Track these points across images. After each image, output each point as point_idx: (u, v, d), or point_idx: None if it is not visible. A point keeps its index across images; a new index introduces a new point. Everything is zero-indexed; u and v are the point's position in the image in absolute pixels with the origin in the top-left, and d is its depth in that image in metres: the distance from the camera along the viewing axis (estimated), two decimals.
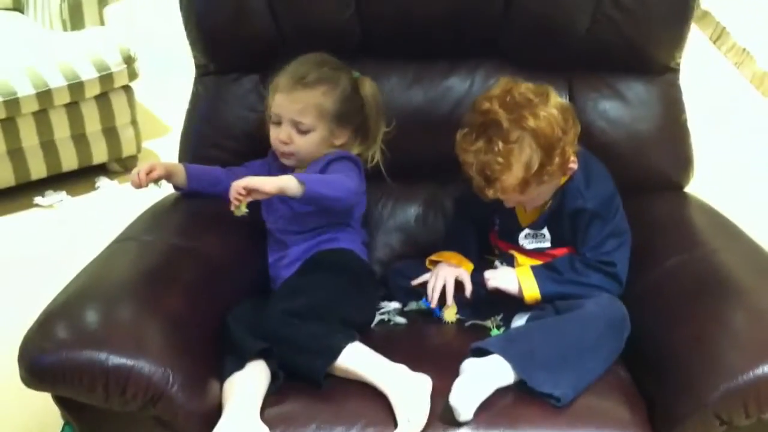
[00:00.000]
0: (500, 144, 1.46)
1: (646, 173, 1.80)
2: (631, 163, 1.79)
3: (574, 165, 1.56)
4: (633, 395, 1.42)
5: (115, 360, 1.27)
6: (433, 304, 1.64)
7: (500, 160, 1.45)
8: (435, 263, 1.69)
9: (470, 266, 1.68)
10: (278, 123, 1.71)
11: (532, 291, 1.55)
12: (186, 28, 1.84)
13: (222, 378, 1.43)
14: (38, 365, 1.28)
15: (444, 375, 1.40)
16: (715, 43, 4.10)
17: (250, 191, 1.48)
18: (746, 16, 4.07)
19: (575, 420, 1.35)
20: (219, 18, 1.80)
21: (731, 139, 3.23)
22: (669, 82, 1.82)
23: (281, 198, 1.71)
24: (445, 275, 1.65)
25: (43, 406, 2.04)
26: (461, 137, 1.53)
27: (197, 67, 1.91)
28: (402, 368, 1.39)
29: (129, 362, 1.28)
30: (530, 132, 1.46)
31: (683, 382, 1.31)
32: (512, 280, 1.58)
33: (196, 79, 1.91)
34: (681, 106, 1.82)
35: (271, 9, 1.77)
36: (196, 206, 1.66)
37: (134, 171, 1.68)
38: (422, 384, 1.37)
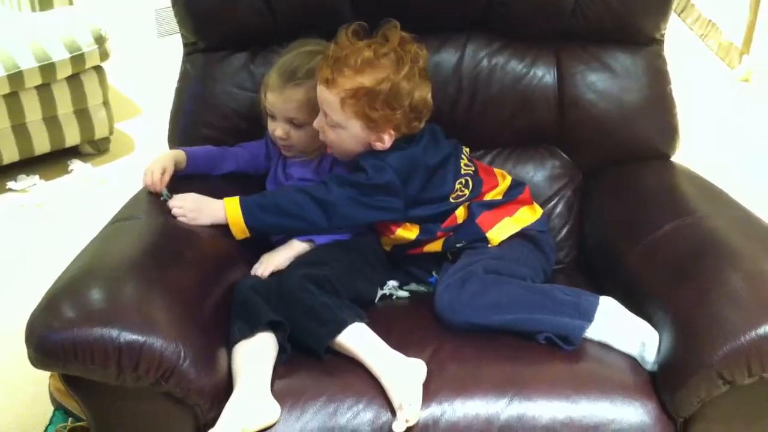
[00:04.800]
0: (373, 51, 1.55)
1: (634, 143, 1.84)
2: (620, 133, 1.83)
3: (381, 143, 1.61)
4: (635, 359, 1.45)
5: (127, 336, 1.27)
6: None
7: (359, 60, 1.55)
8: None
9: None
10: (274, 117, 1.71)
11: (236, 221, 1.57)
12: (174, 6, 1.82)
13: (229, 344, 1.43)
14: (48, 343, 1.27)
15: (445, 344, 1.44)
16: (680, 15, 4.16)
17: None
18: None
19: (580, 385, 1.38)
20: None
21: (700, 111, 3.29)
22: (654, 53, 1.85)
23: (288, 174, 1.71)
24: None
25: (33, 397, 2.05)
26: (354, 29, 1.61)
27: (185, 45, 1.89)
28: (397, 356, 1.40)
29: (140, 338, 1.27)
30: (391, 74, 1.56)
31: (685, 343, 1.34)
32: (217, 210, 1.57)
33: (184, 57, 1.90)
34: (666, 76, 1.86)
35: None
36: (194, 187, 1.64)
37: (147, 175, 1.64)
38: (416, 370, 1.38)
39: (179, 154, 1.72)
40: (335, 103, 1.57)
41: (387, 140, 1.61)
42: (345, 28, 1.61)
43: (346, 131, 1.61)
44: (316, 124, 1.64)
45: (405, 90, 1.57)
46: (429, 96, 1.63)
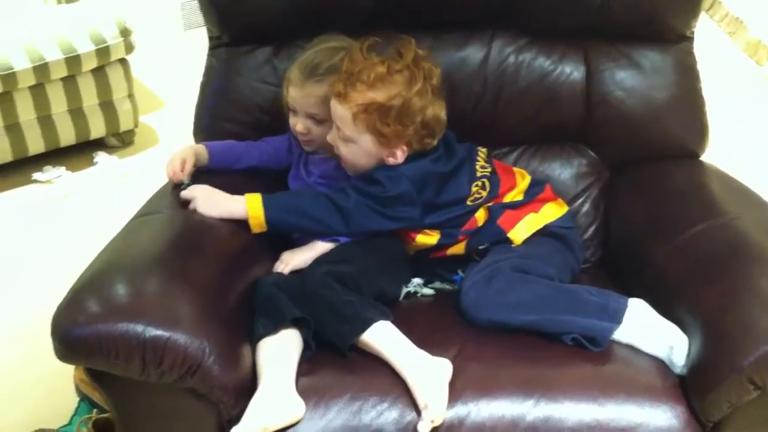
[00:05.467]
0: (386, 67, 1.56)
1: (662, 141, 1.81)
2: (648, 131, 1.80)
3: (393, 159, 1.61)
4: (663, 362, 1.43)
5: (152, 332, 1.27)
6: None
7: (372, 75, 1.55)
8: None
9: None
10: (295, 112, 1.71)
11: (256, 214, 1.56)
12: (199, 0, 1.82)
13: (252, 340, 1.43)
14: (73, 338, 1.27)
15: (470, 343, 1.44)
16: (707, 12, 4.12)
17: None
18: None
19: (606, 387, 1.36)
20: None
21: (727, 109, 3.25)
22: (684, 50, 1.82)
23: (309, 170, 1.71)
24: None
25: (58, 387, 2.06)
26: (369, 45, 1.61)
27: (210, 39, 1.89)
28: (423, 354, 1.39)
29: (165, 334, 1.27)
30: (403, 90, 1.56)
31: (715, 347, 1.32)
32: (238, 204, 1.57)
33: (209, 51, 1.89)
34: (696, 74, 1.83)
35: None
36: (216, 181, 1.64)
37: (169, 168, 1.66)
38: (442, 370, 1.37)
39: (200, 147, 1.73)
40: (347, 117, 1.58)
41: (399, 156, 1.61)
42: (360, 43, 1.61)
43: (358, 146, 1.61)
44: (329, 138, 1.65)
45: (417, 106, 1.58)
46: (443, 113, 1.63)
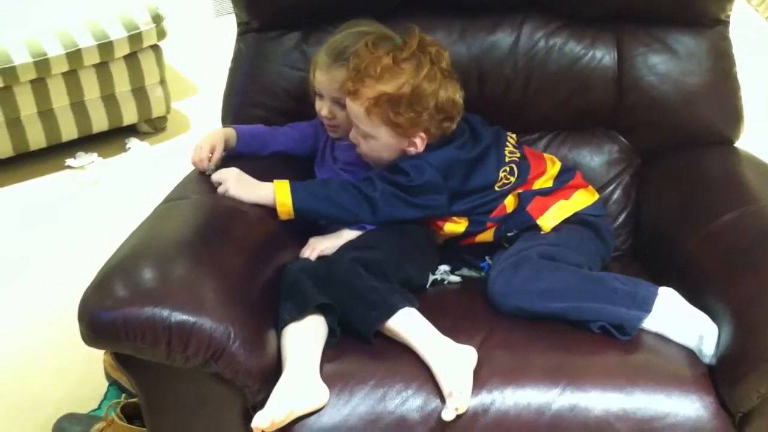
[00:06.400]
0: (392, 58, 1.56)
1: (696, 127, 1.78)
2: (681, 117, 1.78)
3: (414, 148, 1.61)
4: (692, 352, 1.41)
5: (178, 316, 1.27)
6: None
7: (379, 68, 1.56)
8: None
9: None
10: (321, 96, 1.71)
11: (284, 201, 1.56)
12: None
13: (277, 325, 1.43)
14: (100, 322, 1.28)
15: (496, 331, 1.43)
16: None
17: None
18: None
19: (634, 376, 1.35)
20: None
21: (764, 95, 3.19)
22: (719, 34, 1.79)
23: (335, 157, 1.71)
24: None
25: (88, 372, 2.08)
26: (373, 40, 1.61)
27: (239, 24, 1.89)
28: (448, 342, 1.39)
29: (191, 319, 1.28)
30: (411, 78, 1.56)
31: (745, 336, 1.30)
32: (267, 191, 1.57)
33: (238, 37, 1.89)
34: (732, 59, 1.80)
35: None
36: (245, 168, 1.64)
37: (195, 155, 1.67)
38: (467, 357, 1.36)
39: (230, 132, 1.73)
40: (361, 113, 1.59)
41: (419, 144, 1.61)
42: (366, 40, 1.61)
43: (377, 140, 1.62)
44: (351, 136, 1.66)
45: (428, 91, 1.57)
46: (457, 95, 1.62)
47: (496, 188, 1.64)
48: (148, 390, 1.42)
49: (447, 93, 1.59)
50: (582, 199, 1.68)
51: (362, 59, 1.59)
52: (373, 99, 1.57)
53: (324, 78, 1.67)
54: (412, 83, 1.56)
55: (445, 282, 1.65)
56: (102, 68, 3.00)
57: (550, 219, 1.62)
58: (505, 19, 1.83)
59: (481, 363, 1.36)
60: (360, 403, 1.34)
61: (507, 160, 1.66)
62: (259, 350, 1.36)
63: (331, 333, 1.45)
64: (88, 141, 3.13)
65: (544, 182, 1.68)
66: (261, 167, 1.66)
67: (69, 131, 3.04)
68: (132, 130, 3.24)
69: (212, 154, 1.66)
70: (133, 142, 3.20)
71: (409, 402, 1.34)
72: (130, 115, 3.15)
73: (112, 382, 2.05)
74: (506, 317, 1.46)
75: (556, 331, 1.43)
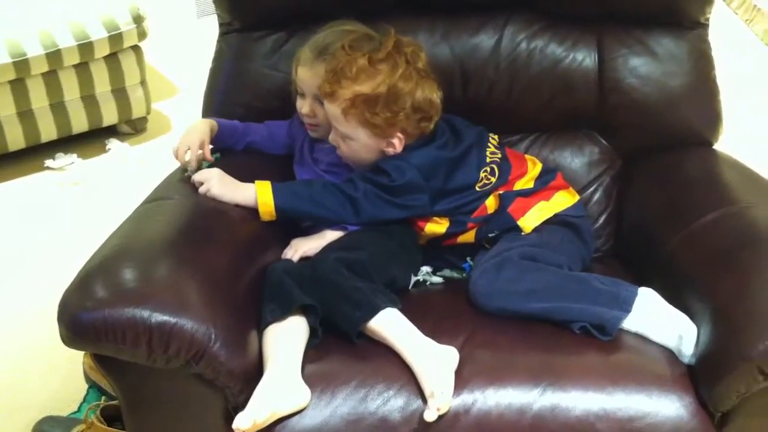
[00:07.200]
0: (368, 59, 1.57)
1: (676, 129, 1.79)
2: (662, 118, 1.79)
3: (392, 149, 1.61)
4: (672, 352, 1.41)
5: (158, 317, 1.26)
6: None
7: (355, 69, 1.56)
8: None
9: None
10: (303, 95, 1.70)
11: (265, 201, 1.56)
12: None
13: (259, 326, 1.43)
14: (80, 323, 1.27)
15: (479, 331, 1.43)
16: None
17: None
18: None
19: (615, 376, 1.35)
20: None
21: (743, 98, 3.22)
22: (699, 37, 1.80)
23: (316, 159, 1.71)
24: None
25: (68, 374, 2.06)
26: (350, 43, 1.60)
27: (221, 25, 1.88)
28: (429, 342, 1.39)
29: (172, 319, 1.27)
30: (386, 78, 1.56)
31: (725, 336, 1.31)
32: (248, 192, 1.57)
33: (219, 37, 1.89)
34: (711, 61, 1.81)
35: None
36: (225, 168, 1.64)
37: (181, 149, 1.67)
38: (448, 357, 1.36)
39: (213, 124, 1.74)
40: (338, 114, 1.59)
41: (398, 144, 1.62)
42: (344, 41, 1.62)
43: (355, 142, 1.62)
44: (330, 138, 1.66)
45: (404, 91, 1.58)
46: (435, 95, 1.63)
47: (477, 188, 1.64)
48: (129, 392, 1.41)
49: (424, 92, 1.60)
50: (563, 200, 1.68)
51: (338, 60, 1.59)
52: (349, 100, 1.57)
53: (306, 74, 1.67)
54: (387, 83, 1.57)
55: (428, 283, 1.65)
56: (82, 69, 2.99)
57: (531, 220, 1.63)
58: (488, 21, 1.83)
59: (463, 363, 1.36)
60: (342, 404, 1.34)
61: (488, 160, 1.67)
62: (241, 351, 1.35)
63: (313, 333, 1.44)
64: (68, 142, 3.11)
65: (525, 183, 1.68)
66: (242, 167, 1.65)
67: (48, 132, 3.02)
68: (112, 131, 3.23)
69: (202, 149, 1.67)
70: (113, 143, 3.18)
71: (390, 403, 1.34)
72: (110, 115, 3.13)
73: (92, 385, 2.04)
74: (488, 318, 1.46)
75: (538, 332, 1.43)
